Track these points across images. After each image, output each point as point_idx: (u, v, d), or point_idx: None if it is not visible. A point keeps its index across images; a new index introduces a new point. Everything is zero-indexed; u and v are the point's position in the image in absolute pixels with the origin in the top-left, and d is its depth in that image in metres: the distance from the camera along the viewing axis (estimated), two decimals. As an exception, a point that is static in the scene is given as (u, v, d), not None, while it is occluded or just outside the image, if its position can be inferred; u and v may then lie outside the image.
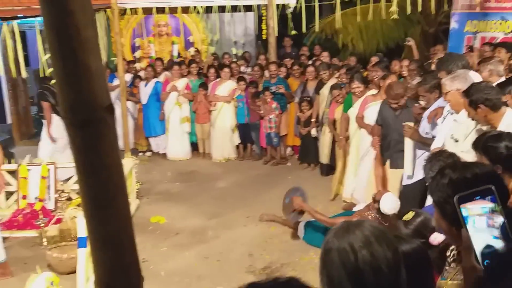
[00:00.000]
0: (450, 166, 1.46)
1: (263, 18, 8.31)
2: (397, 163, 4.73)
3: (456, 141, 3.48)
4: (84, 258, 4.03)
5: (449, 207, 1.22)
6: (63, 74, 1.07)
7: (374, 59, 7.16)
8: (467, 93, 3.18)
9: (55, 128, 6.74)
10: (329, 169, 6.74)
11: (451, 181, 1.34)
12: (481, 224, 1.03)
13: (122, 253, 1.20)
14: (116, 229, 1.18)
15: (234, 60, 8.51)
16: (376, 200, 4.13)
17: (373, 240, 1.21)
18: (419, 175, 4.09)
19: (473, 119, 3.30)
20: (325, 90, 6.63)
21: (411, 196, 4.30)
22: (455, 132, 3.54)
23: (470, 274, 1.02)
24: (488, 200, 1.04)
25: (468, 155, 3.40)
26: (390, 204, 4.03)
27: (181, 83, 7.81)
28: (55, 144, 6.74)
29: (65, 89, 1.08)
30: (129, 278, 1.23)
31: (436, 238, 2.12)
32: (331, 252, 1.23)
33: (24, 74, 6.22)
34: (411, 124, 4.43)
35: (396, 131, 4.75)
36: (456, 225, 1.22)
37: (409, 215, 2.33)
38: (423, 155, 4.17)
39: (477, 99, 3.08)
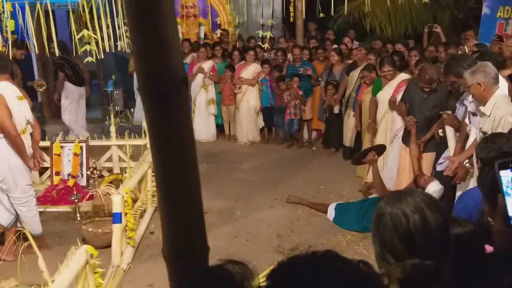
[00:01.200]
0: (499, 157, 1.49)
1: (291, 0, 8.23)
2: (423, 146, 4.78)
3: (485, 133, 3.45)
4: (118, 233, 4.15)
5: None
6: (142, 46, 1.11)
7: (399, 47, 7.06)
8: None
9: (68, 94, 7.63)
10: (352, 153, 6.71)
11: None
12: None
13: (190, 223, 1.25)
14: (186, 199, 1.23)
15: (259, 44, 8.47)
16: (419, 186, 4.13)
17: (424, 206, 1.28)
18: None
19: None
20: (355, 72, 6.57)
21: (444, 182, 4.28)
22: (483, 125, 3.53)
23: (500, 237, 1.04)
24: None
25: None
26: (436, 193, 4.06)
27: (207, 65, 7.84)
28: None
29: (145, 62, 1.12)
30: (196, 248, 1.28)
31: None
32: (384, 216, 1.31)
33: (57, 52, 6.31)
34: (448, 111, 4.36)
35: (422, 114, 4.80)
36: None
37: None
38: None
39: None
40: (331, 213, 5.03)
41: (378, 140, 5.68)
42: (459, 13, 9.52)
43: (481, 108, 3.59)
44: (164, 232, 1.29)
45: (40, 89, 7.00)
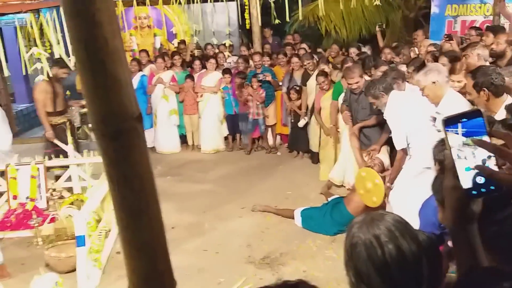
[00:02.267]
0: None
1: (246, 7, 8.26)
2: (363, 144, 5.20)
3: (439, 131, 3.55)
4: (83, 257, 4.03)
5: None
6: (93, 86, 1.07)
7: (353, 51, 7.21)
8: (473, 74, 3.22)
9: None
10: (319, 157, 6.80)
11: None
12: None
13: (155, 260, 1.22)
14: (150, 237, 1.19)
15: (217, 51, 8.44)
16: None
17: (397, 234, 1.25)
18: None
19: (472, 104, 3.36)
20: (311, 81, 6.65)
21: None
22: (438, 124, 3.61)
23: (452, 194, 1.02)
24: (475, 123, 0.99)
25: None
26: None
27: (167, 75, 7.75)
28: None
29: (95, 101, 1.08)
30: (163, 284, 1.25)
31: None
32: (357, 246, 1.27)
33: (6, 72, 6.07)
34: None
35: (356, 113, 5.23)
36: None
37: None
38: None
39: (482, 83, 3.11)
40: (297, 219, 5.06)
41: (343, 143, 5.77)
42: (410, 13, 9.84)
43: (437, 109, 3.69)
44: (129, 271, 1.24)
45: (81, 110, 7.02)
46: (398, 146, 4.28)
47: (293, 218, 5.14)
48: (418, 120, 4.19)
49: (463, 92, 3.85)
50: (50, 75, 5.92)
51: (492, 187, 0.96)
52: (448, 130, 1.00)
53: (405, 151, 4.27)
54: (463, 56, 4.61)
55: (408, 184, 4.20)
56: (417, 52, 5.75)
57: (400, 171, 4.33)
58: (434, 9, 8.41)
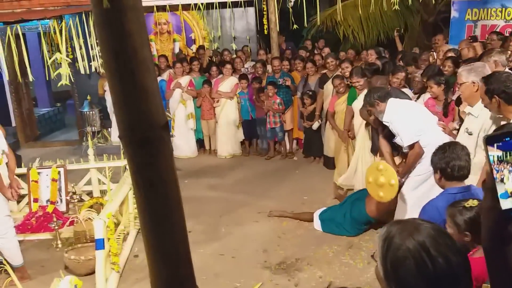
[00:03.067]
0: None
1: (264, 12, 8.30)
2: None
3: (470, 134, 3.52)
4: (102, 260, 4.08)
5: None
6: (122, 94, 1.10)
7: (371, 53, 7.19)
8: (486, 80, 3.19)
9: None
10: (334, 163, 6.78)
11: None
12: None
13: (178, 265, 1.24)
14: (173, 242, 1.22)
15: (234, 56, 8.51)
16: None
17: (444, 247, 1.20)
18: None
19: (485, 106, 3.33)
20: (329, 85, 6.65)
21: None
22: (470, 125, 3.57)
23: (489, 215, 1.00)
24: None
25: (482, 151, 3.46)
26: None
27: (185, 80, 7.82)
28: None
29: (124, 109, 1.11)
30: (186, 289, 1.27)
31: None
32: (406, 258, 1.20)
33: (30, 77, 6.21)
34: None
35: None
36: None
37: (474, 202, 2.16)
38: None
39: (494, 89, 3.09)
40: (317, 223, 5.07)
41: (356, 150, 5.75)
42: (428, 17, 9.77)
43: (468, 108, 3.66)
44: (152, 275, 1.27)
45: None
46: (410, 141, 4.17)
47: (311, 221, 5.15)
48: (423, 122, 4.19)
49: None
50: (72, 80, 6.03)
51: None
52: (489, 149, 0.98)
53: (419, 147, 4.17)
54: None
55: (418, 188, 4.19)
56: (435, 57, 5.70)
57: (412, 167, 4.26)
58: (454, 14, 8.33)
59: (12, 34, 5.79)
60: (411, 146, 4.21)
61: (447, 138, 4.02)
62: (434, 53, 5.86)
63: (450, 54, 5.51)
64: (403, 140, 4.23)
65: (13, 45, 5.80)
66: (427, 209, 2.52)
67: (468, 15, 8.21)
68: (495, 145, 0.99)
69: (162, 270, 1.25)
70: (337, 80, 6.23)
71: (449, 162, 2.56)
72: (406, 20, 9.63)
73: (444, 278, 1.17)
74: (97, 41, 1.08)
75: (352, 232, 4.87)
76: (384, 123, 4.45)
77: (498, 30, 7.56)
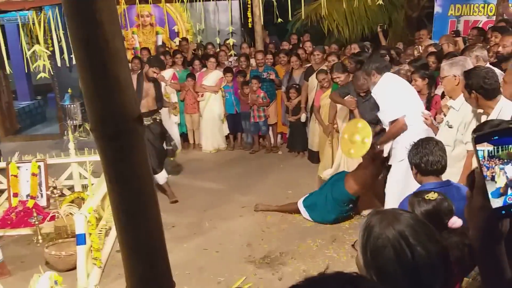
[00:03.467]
0: None
1: (248, 6, 8.25)
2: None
3: (451, 127, 3.55)
4: (83, 255, 4.03)
5: None
6: (93, 86, 1.06)
7: (355, 47, 7.20)
8: (466, 75, 3.22)
9: None
10: (319, 157, 6.79)
11: None
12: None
13: (154, 261, 1.21)
14: (148, 239, 1.19)
15: (218, 50, 8.44)
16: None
17: (424, 236, 1.22)
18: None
19: (466, 101, 3.35)
20: (314, 78, 6.64)
21: None
22: (450, 118, 3.60)
23: (480, 214, 1.00)
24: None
25: (461, 144, 3.49)
26: None
27: (168, 73, 7.73)
28: None
29: (95, 102, 1.08)
30: (161, 286, 1.24)
31: (455, 222, 2.09)
32: (385, 247, 1.22)
33: (8, 69, 6.07)
34: None
35: (362, 116, 5.13)
36: None
37: (434, 195, 2.19)
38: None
39: (473, 84, 3.12)
40: (303, 211, 5.16)
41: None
42: (413, 13, 9.81)
43: (450, 102, 3.69)
44: (127, 273, 1.24)
45: (173, 111, 7.12)
46: (393, 116, 4.21)
47: (297, 212, 5.21)
48: (410, 105, 4.20)
49: None
50: (52, 72, 5.90)
51: None
52: (478, 147, 0.97)
53: (403, 122, 4.17)
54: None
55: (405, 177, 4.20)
56: (420, 52, 5.73)
57: (392, 138, 4.29)
58: (437, 9, 8.38)
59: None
60: (393, 122, 4.25)
61: (425, 129, 4.07)
62: (420, 47, 5.89)
63: (431, 49, 5.54)
64: (386, 114, 4.26)
65: (-9, 37, 5.67)
66: (403, 205, 2.53)
67: (451, 10, 8.27)
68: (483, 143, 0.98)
69: (137, 267, 1.22)
70: (321, 75, 6.24)
71: (422, 157, 2.59)
72: (390, 15, 9.68)
73: (422, 267, 1.19)
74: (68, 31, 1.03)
75: (334, 213, 4.94)
76: (372, 94, 4.46)
77: (480, 25, 7.63)
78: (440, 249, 1.22)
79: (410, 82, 4.84)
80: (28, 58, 5.93)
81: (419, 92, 4.71)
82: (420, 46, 5.95)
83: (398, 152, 4.22)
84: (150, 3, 8.76)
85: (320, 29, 9.86)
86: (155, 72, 5.74)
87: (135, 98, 1.12)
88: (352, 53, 6.73)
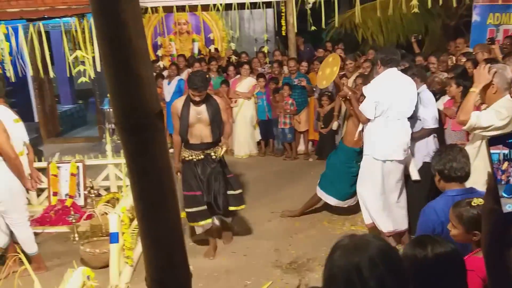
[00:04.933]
0: None
1: (282, 14, 8.32)
2: None
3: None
4: (116, 253, 4.16)
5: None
6: (116, 82, 1.13)
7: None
8: None
9: None
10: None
11: None
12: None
13: (171, 252, 1.27)
14: (166, 229, 1.24)
15: (258, 56, 8.54)
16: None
17: (382, 268, 1.15)
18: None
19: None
20: (348, 84, 6.61)
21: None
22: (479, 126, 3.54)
23: (489, 217, 0.99)
24: None
25: None
26: None
27: (203, 80, 7.88)
28: None
29: (118, 97, 1.15)
30: (178, 276, 1.30)
31: None
32: (336, 277, 1.19)
33: (51, 73, 6.36)
34: None
35: None
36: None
37: (479, 200, 2.12)
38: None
39: None
40: (322, 194, 5.24)
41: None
42: (450, 21, 9.61)
43: (485, 110, 3.60)
44: (146, 262, 1.30)
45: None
46: (365, 114, 4.36)
47: (319, 201, 5.33)
48: (392, 106, 4.24)
49: None
50: (92, 77, 6.13)
51: None
52: (491, 150, 0.98)
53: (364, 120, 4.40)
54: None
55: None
56: (454, 61, 5.63)
57: (356, 109, 4.51)
58: (475, 17, 8.17)
59: (34, 31, 5.94)
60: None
61: (403, 134, 4.28)
62: (453, 57, 5.78)
63: (463, 58, 5.42)
64: (362, 109, 4.39)
65: (36, 42, 5.96)
66: (426, 212, 2.50)
67: (490, 19, 8.05)
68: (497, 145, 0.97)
69: (156, 256, 1.27)
70: (360, 79, 6.18)
71: (446, 164, 2.55)
72: (426, 24, 9.51)
73: None
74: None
75: (348, 179, 5.02)
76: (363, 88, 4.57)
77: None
78: (403, 283, 1.15)
79: (444, 91, 4.77)
80: (70, 63, 6.20)
81: (452, 98, 4.64)
82: (453, 56, 5.84)
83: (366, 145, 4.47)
84: (187, 11, 8.97)
85: (355, 37, 9.81)
86: (193, 95, 4.34)
87: (156, 95, 1.19)
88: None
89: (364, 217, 4.65)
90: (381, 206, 4.45)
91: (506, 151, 0.97)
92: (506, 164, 0.97)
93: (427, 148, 4.51)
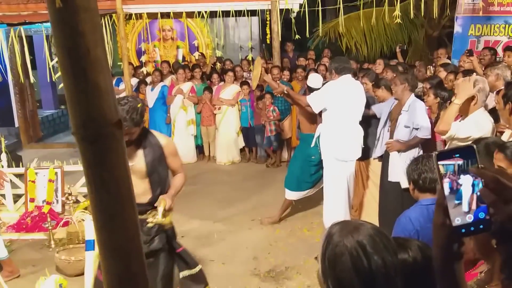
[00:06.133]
0: None
1: (267, 22, 8.36)
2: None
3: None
4: (91, 261, 4.10)
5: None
6: (74, 92, 1.13)
7: (379, 62, 7.20)
8: (507, 85, 3.24)
9: None
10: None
11: None
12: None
13: (129, 262, 1.25)
14: (124, 239, 1.23)
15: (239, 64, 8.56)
16: None
17: (382, 246, 1.25)
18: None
19: (499, 112, 3.36)
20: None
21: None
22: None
23: (440, 232, 1.00)
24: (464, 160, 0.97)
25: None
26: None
27: (186, 86, 7.89)
28: None
29: (76, 106, 1.14)
30: (137, 285, 1.28)
31: None
32: (342, 255, 1.26)
33: (31, 78, 6.29)
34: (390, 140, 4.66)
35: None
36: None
37: None
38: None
39: (510, 96, 3.10)
40: (288, 193, 5.46)
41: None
42: (433, 32, 9.77)
43: (460, 119, 3.67)
44: (104, 271, 1.29)
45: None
46: (312, 106, 4.71)
47: (291, 204, 5.55)
48: (340, 110, 4.57)
49: None
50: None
51: (481, 226, 0.95)
52: (439, 163, 0.99)
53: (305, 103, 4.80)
54: (484, 75, 4.58)
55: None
56: (432, 72, 5.72)
57: (294, 97, 5.14)
58: (457, 29, 8.32)
59: (15, 36, 5.88)
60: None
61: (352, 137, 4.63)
62: (431, 67, 5.88)
63: (440, 68, 5.49)
64: (311, 101, 4.71)
65: (16, 47, 5.89)
66: (401, 220, 2.52)
67: (472, 30, 8.20)
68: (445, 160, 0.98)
69: (114, 266, 1.26)
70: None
71: (421, 174, 2.56)
72: (410, 34, 9.65)
73: (378, 277, 1.21)
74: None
75: (307, 164, 5.30)
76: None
77: (501, 46, 7.55)
78: (397, 261, 1.24)
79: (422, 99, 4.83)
80: (51, 68, 6.14)
81: (429, 108, 4.69)
82: (431, 66, 5.93)
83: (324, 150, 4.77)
84: (172, 18, 8.97)
85: (339, 47, 9.90)
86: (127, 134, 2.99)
87: (115, 105, 1.18)
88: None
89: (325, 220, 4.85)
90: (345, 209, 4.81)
91: (461, 161, 0.99)
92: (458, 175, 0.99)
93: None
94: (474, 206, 0.95)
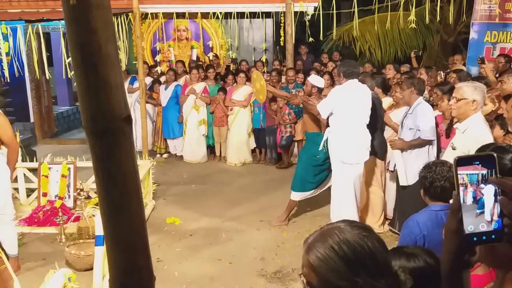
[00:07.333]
0: None
1: (281, 24, 8.38)
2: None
3: (454, 149, 3.54)
4: (101, 256, 4.15)
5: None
6: (85, 87, 1.16)
7: (389, 67, 7.19)
8: None
9: None
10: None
11: None
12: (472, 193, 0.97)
13: (135, 254, 1.28)
14: (130, 232, 1.26)
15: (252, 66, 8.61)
16: None
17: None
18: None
19: (508, 120, 3.34)
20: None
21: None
22: (455, 140, 3.59)
23: (451, 238, 0.99)
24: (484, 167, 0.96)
25: None
26: None
27: (200, 86, 7.94)
28: None
29: (86, 101, 1.17)
30: (142, 278, 1.31)
31: None
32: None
33: (47, 75, 6.38)
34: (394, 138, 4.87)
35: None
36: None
37: None
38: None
39: None
40: (293, 194, 5.45)
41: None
42: (448, 38, 9.70)
43: (457, 124, 3.67)
44: (109, 264, 1.32)
45: None
46: (320, 113, 4.86)
47: (297, 202, 5.52)
48: (346, 113, 4.66)
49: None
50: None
51: (493, 236, 0.95)
52: (459, 170, 0.98)
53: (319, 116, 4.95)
54: (499, 82, 4.58)
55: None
56: (442, 77, 5.68)
57: (307, 102, 5.15)
58: (473, 35, 8.25)
59: (33, 33, 5.98)
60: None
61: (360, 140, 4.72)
62: (441, 72, 5.84)
63: (454, 75, 5.45)
64: (320, 108, 4.82)
65: (33, 43, 5.99)
66: (409, 224, 2.52)
67: (487, 37, 8.12)
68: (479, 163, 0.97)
69: (119, 259, 1.28)
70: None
71: (433, 183, 2.55)
72: (425, 39, 9.59)
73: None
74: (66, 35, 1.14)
75: (311, 164, 5.30)
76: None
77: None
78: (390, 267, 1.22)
79: (431, 103, 4.84)
80: (67, 64, 6.24)
81: (442, 113, 4.68)
82: (442, 72, 5.90)
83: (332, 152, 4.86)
84: (187, 18, 9.03)
85: (353, 50, 9.88)
86: None
87: (125, 100, 1.21)
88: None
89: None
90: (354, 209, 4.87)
91: (484, 171, 0.98)
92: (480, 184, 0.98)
93: (429, 159, 4.55)
94: (496, 217, 0.95)
